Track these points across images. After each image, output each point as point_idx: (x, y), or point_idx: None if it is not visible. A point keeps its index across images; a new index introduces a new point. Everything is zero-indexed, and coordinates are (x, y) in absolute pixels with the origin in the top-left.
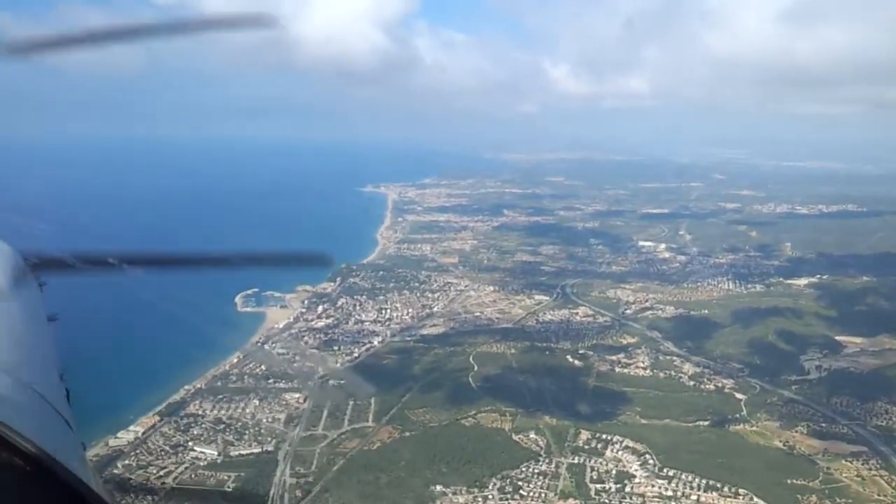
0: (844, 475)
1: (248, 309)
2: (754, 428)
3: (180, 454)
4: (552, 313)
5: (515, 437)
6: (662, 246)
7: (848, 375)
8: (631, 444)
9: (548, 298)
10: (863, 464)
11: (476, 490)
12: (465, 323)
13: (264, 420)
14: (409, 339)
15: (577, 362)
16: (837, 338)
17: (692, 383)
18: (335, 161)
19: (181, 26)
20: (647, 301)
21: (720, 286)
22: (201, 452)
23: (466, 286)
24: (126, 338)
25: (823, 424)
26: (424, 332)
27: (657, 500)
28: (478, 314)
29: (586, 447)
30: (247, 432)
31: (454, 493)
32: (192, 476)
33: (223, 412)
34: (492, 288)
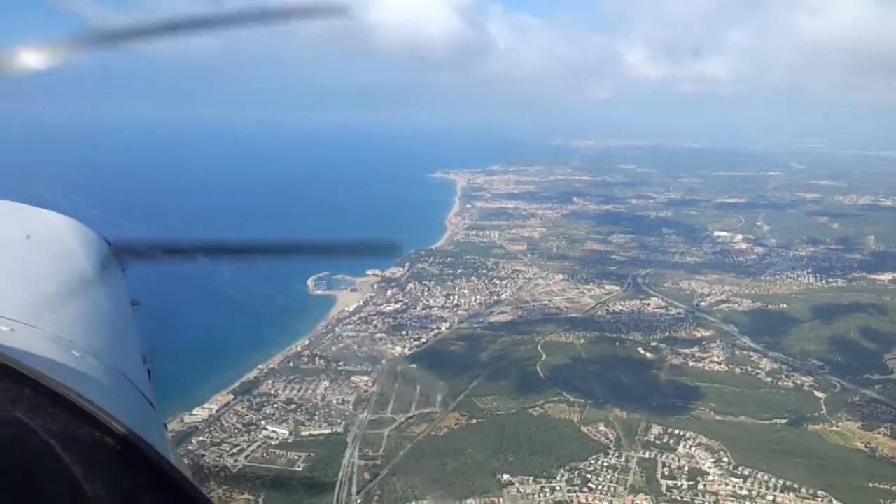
0: None
1: (320, 292)
2: (834, 428)
3: (252, 432)
4: (623, 303)
5: (584, 429)
6: (739, 236)
7: None
8: (704, 440)
9: (618, 288)
10: None
11: (543, 481)
12: (534, 311)
13: (334, 401)
14: (476, 325)
15: (648, 355)
16: None
17: (769, 380)
18: (405, 147)
19: (256, 15)
20: (722, 293)
21: (799, 280)
22: (273, 431)
23: (535, 274)
24: (203, 318)
25: None
26: (492, 319)
27: (731, 499)
28: (546, 303)
29: (658, 442)
30: (317, 413)
31: (521, 483)
32: (264, 455)
33: (294, 392)
34: (561, 276)
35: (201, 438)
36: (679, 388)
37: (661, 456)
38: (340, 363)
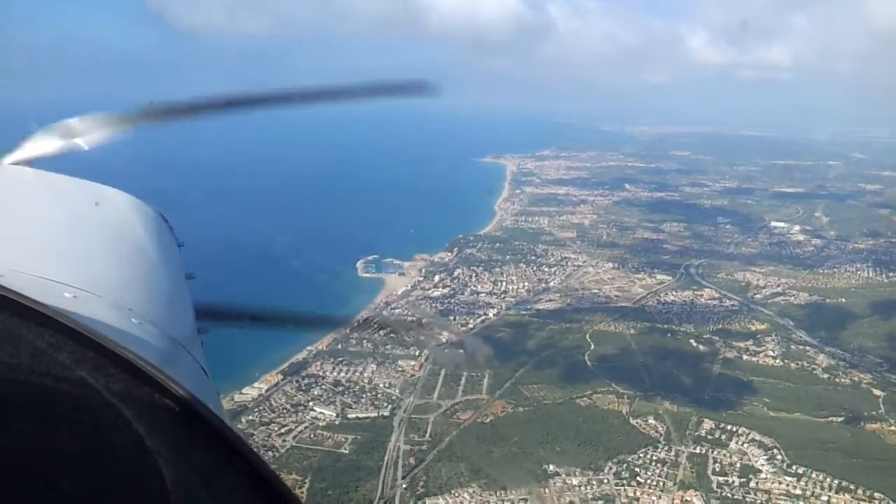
0: None
1: (368, 275)
2: (893, 428)
3: (300, 413)
4: (675, 294)
5: (633, 422)
6: (796, 227)
7: None
8: (757, 436)
9: (670, 278)
10: None
11: (591, 473)
12: (582, 300)
13: (381, 385)
14: (524, 312)
15: (701, 347)
16: None
17: (826, 376)
18: (456, 131)
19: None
20: (778, 286)
21: (859, 273)
22: (320, 413)
23: (584, 262)
24: (255, 298)
25: None
26: (540, 306)
27: (784, 498)
28: (595, 291)
29: (709, 437)
30: (364, 396)
31: (568, 475)
32: (312, 436)
33: (342, 375)
34: (611, 265)
35: (251, 418)
36: (732, 382)
37: (712, 451)
38: (388, 347)
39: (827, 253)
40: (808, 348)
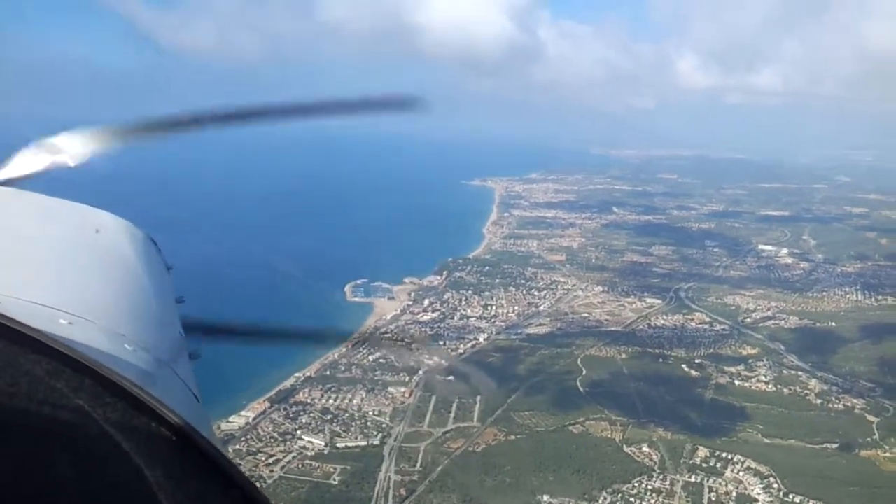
0: None
1: (357, 299)
2: (888, 454)
3: (288, 442)
4: (665, 318)
5: (627, 449)
6: (784, 251)
7: None
8: (753, 464)
9: (660, 302)
10: None
11: (585, 503)
12: (573, 324)
13: (370, 413)
14: (514, 337)
15: (693, 372)
16: None
17: (819, 401)
18: (444, 154)
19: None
20: (768, 309)
21: (848, 297)
22: (309, 442)
23: (574, 285)
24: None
25: None
26: (530, 331)
27: None
28: (586, 315)
29: (704, 465)
30: (353, 424)
31: None
32: (300, 466)
33: (331, 402)
34: (600, 288)
35: (237, 447)
36: (725, 408)
37: (707, 480)
38: (378, 372)
39: (815, 276)
40: (799, 373)
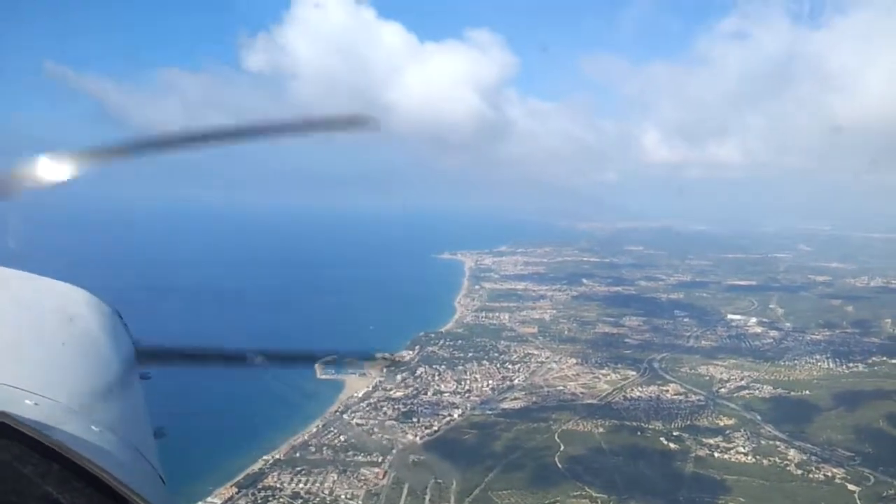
0: None
1: (327, 376)
2: None
3: None
4: (640, 389)
5: None
6: (753, 320)
7: None
8: None
9: (634, 373)
10: None
11: None
12: (548, 397)
13: (342, 496)
14: (489, 412)
15: (671, 445)
16: None
17: (799, 472)
18: (414, 229)
19: (283, 127)
20: (741, 379)
21: (819, 365)
22: None
23: (548, 357)
24: (207, 401)
25: None
26: (505, 405)
27: None
28: (561, 388)
29: None
30: None
31: None
32: None
33: (301, 485)
34: (574, 360)
35: None
36: (706, 481)
37: None
38: (350, 453)
39: (786, 345)
40: (778, 443)
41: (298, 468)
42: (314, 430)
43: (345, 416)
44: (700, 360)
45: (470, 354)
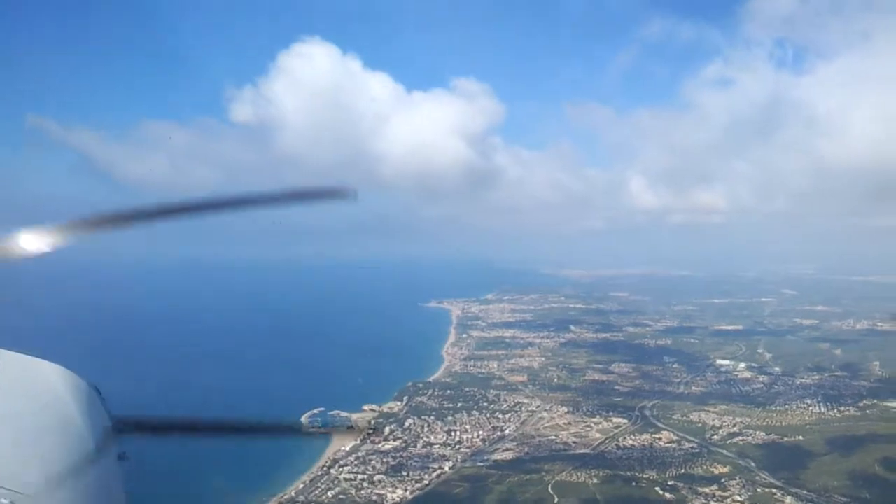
0: None
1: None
2: None
3: None
4: (633, 438)
5: None
6: (742, 365)
7: None
8: None
9: (626, 421)
10: None
11: None
12: (540, 447)
13: None
14: (480, 464)
15: (667, 495)
16: None
17: None
18: (401, 278)
19: (267, 199)
20: (734, 425)
21: (810, 409)
22: None
23: (538, 406)
24: (191, 458)
25: None
26: (497, 456)
27: None
28: (552, 438)
29: None
30: None
31: None
32: None
33: None
34: (565, 409)
35: None
36: None
37: None
38: None
39: (776, 389)
40: (774, 490)
41: None
42: (300, 486)
43: (332, 471)
44: (691, 407)
45: (459, 404)
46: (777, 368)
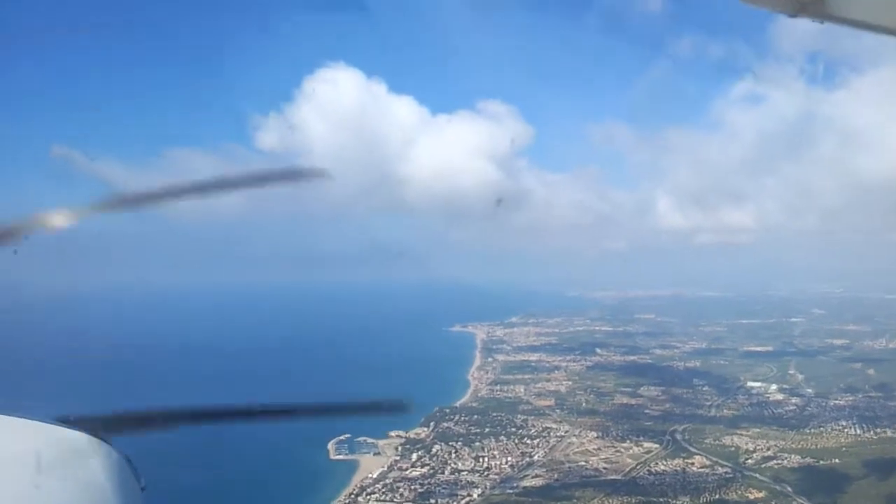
0: None
1: (341, 456)
2: None
3: None
4: (665, 463)
5: None
6: (774, 387)
7: None
8: None
9: (657, 446)
10: None
11: None
12: (570, 474)
13: None
14: (510, 491)
15: None
16: None
17: None
18: (424, 301)
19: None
20: (768, 449)
21: (845, 431)
22: None
23: (567, 431)
24: (217, 487)
25: None
26: (526, 483)
27: None
28: (582, 463)
29: None
30: None
31: None
32: None
33: None
34: (594, 434)
35: None
36: None
37: None
38: None
39: (809, 411)
40: None
41: None
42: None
43: (360, 499)
44: (724, 430)
45: (487, 430)
46: (809, 390)
